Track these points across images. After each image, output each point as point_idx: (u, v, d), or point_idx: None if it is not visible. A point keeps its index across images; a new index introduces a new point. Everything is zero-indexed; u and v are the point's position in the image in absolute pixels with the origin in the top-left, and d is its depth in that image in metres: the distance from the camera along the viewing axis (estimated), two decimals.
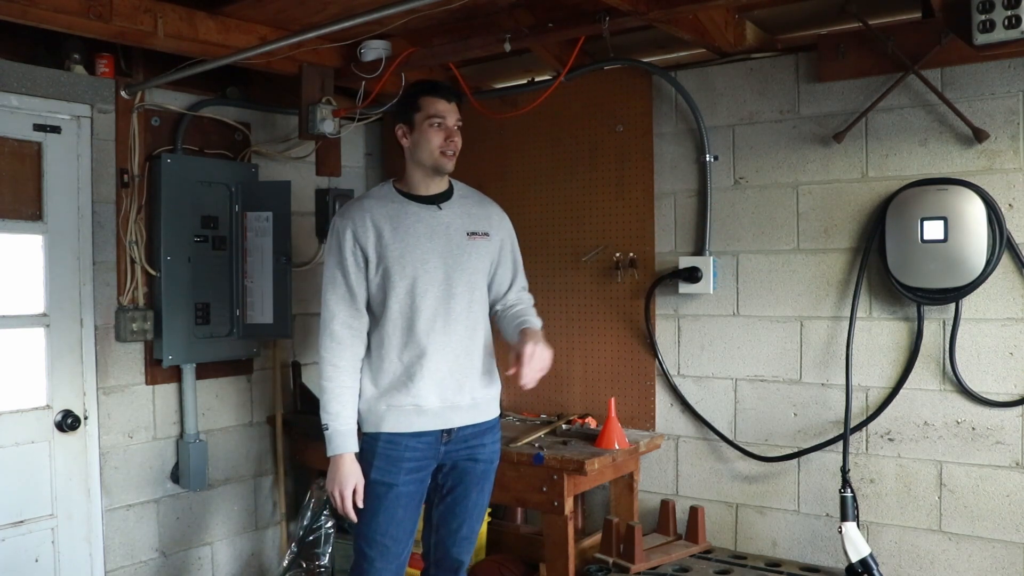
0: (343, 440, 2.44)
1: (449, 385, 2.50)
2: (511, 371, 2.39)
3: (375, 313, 2.50)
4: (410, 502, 2.50)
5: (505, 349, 2.64)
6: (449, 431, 2.52)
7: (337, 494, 2.45)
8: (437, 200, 2.56)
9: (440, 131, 2.49)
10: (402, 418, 2.47)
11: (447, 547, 2.61)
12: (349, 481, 2.44)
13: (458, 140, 2.52)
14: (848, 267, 3.01)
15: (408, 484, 2.48)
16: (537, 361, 2.38)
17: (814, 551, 3.08)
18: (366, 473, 2.47)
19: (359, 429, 2.51)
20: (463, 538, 2.61)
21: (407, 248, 2.46)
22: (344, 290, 2.47)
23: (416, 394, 2.46)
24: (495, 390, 2.65)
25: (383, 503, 2.47)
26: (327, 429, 2.45)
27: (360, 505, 2.45)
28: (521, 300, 2.73)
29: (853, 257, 2.99)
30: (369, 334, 2.52)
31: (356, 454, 2.47)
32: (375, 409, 2.48)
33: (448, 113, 2.50)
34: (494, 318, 2.70)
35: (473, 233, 2.57)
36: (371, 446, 2.48)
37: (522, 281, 2.75)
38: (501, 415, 3.63)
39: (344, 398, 2.45)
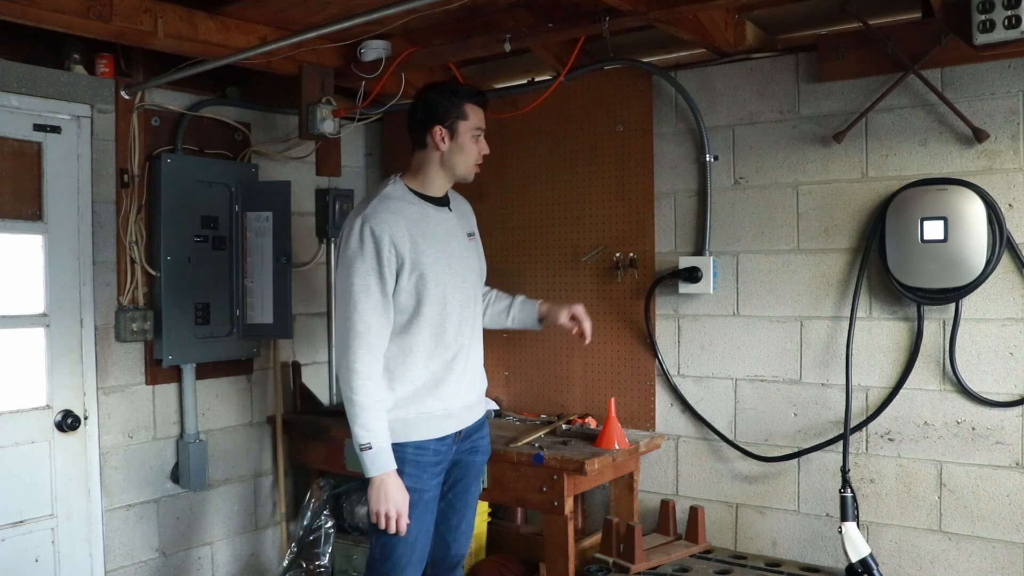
0: (388, 457, 2.35)
1: (467, 386, 2.54)
2: (575, 331, 2.68)
3: (401, 320, 2.41)
4: (434, 505, 2.52)
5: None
6: (459, 431, 2.54)
7: (393, 513, 2.34)
8: (445, 202, 2.55)
9: (479, 144, 2.51)
10: (433, 424, 2.45)
11: (447, 544, 2.62)
12: (401, 499, 2.35)
13: (487, 152, 2.55)
14: (848, 267, 3.00)
15: (435, 488, 2.49)
16: (587, 316, 2.69)
17: (814, 551, 3.08)
18: None
19: None
20: (462, 533, 2.63)
21: (439, 254, 2.43)
22: (378, 298, 2.35)
23: (445, 398, 2.46)
24: (486, 383, 2.72)
25: (415, 509, 2.42)
26: (370, 448, 2.31)
27: (408, 522, 2.37)
28: (489, 287, 2.80)
29: (853, 257, 2.99)
30: (392, 340, 2.42)
31: None
32: (403, 417, 2.42)
33: (484, 124, 2.53)
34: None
35: (470, 234, 2.61)
36: (399, 454, 2.40)
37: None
38: (501, 415, 3.67)
39: (382, 414, 2.36)
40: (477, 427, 2.62)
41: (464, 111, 2.46)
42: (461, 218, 2.59)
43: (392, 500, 2.33)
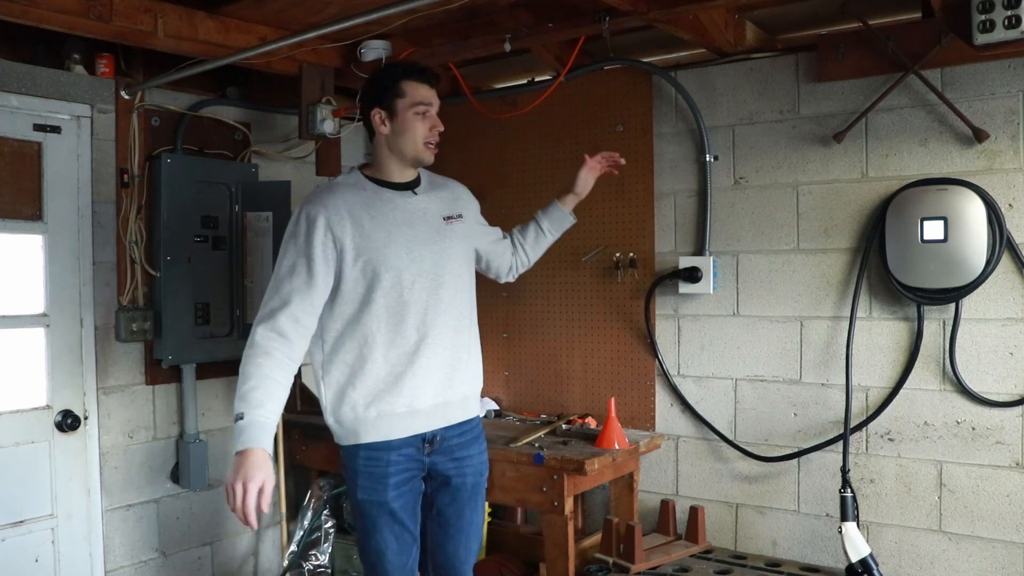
0: (257, 433, 2.11)
1: (441, 381, 2.36)
2: (608, 169, 2.78)
3: (348, 312, 2.29)
4: (405, 513, 2.35)
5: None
6: (432, 441, 2.37)
7: (239, 487, 2.04)
8: (411, 186, 2.41)
9: (426, 120, 2.33)
10: (396, 423, 2.31)
11: (446, 571, 2.47)
12: (258, 474, 2.06)
13: (442, 128, 2.38)
14: (848, 267, 3.01)
15: (398, 499, 2.33)
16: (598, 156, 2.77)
17: (814, 551, 3.08)
18: (352, 493, 2.30)
19: (339, 443, 2.37)
20: (462, 562, 2.47)
21: (391, 238, 2.29)
22: (303, 281, 2.23)
23: (409, 394, 2.30)
24: (480, 384, 2.54)
25: (378, 522, 2.32)
26: (241, 419, 2.11)
27: (265, 509, 2.07)
28: (506, 233, 2.77)
29: (853, 257, 2.99)
30: (344, 334, 2.30)
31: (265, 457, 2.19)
32: (364, 417, 2.29)
33: (433, 99, 2.36)
34: (520, 253, 2.78)
35: (449, 217, 2.44)
36: (352, 462, 2.32)
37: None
38: (501, 415, 3.66)
39: (272, 392, 2.16)
40: (461, 444, 2.43)
41: (400, 88, 2.31)
42: (438, 201, 2.43)
43: (243, 474, 2.05)
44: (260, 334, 2.20)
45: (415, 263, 2.31)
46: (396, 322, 2.29)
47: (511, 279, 2.83)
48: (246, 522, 2.07)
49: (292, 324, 2.22)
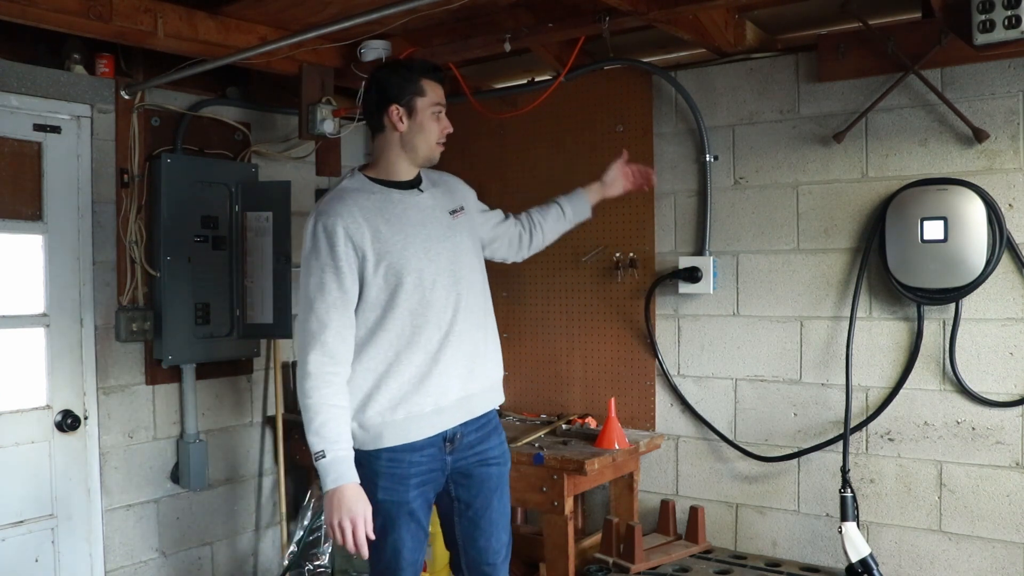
0: (345, 468, 2.16)
1: (464, 375, 2.34)
2: (639, 183, 2.80)
3: (373, 316, 2.26)
4: (422, 511, 2.35)
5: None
6: (452, 439, 2.35)
7: (347, 523, 2.14)
8: (415, 184, 2.38)
9: (440, 121, 2.34)
10: (423, 423, 2.28)
11: (481, 568, 2.44)
12: (358, 508, 2.15)
13: (451, 130, 2.39)
14: (848, 267, 3.01)
15: (417, 499, 2.31)
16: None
17: (814, 551, 3.08)
18: (372, 493, 2.24)
19: (359, 447, 2.28)
20: (495, 553, 2.43)
21: (409, 240, 2.26)
22: (336, 296, 2.20)
23: (435, 392, 2.28)
24: (501, 371, 2.51)
25: (396, 522, 2.28)
26: (324, 457, 2.15)
27: (372, 536, 2.19)
28: (515, 215, 2.68)
29: (853, 257, 2.99)
30: (369, 341, 2.27)
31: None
32: (391, 420, 2.26)
33: (445, 100, 2.38)
34: (537, 232, 2.69)
35: (453, 211, 2.41)
36: (372, 464, 2.27)
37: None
38: (501, 415, 3.66)
39: (342, 421, 2.19)
40: (480, 438, 2.40)
41: (421, 87, 2.29)
42: (441, 196, 2.40)
43: (347, 509, 2.14)
44: (313, 363, 2.19)
45: (433, 263, 2.29)
46: (420, 324, 2.27)
47: (519, 259, 2.73)
48: (358, 553, 2.18)
49: (340, 342, 2.21)
